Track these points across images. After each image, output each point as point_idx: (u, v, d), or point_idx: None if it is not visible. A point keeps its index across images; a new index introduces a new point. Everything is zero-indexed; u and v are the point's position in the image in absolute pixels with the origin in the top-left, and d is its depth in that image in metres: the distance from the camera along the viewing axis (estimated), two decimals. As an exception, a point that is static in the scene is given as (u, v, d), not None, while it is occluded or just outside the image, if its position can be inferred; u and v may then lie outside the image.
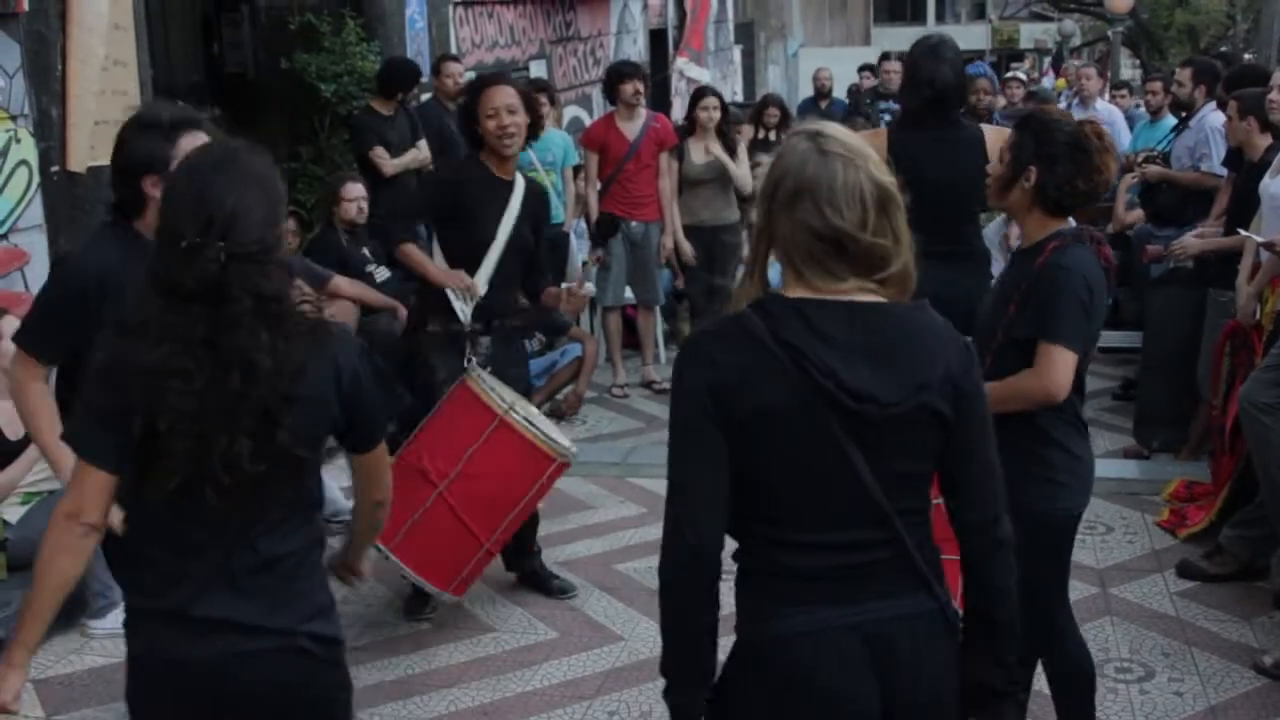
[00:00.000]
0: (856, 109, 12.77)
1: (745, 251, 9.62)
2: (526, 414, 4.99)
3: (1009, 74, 20.03)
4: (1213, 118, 7.86)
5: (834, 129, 2.44)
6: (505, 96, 5.17)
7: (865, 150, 2.40)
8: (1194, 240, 6.77)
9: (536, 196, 5.46)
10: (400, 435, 5.14)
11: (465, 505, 4.88)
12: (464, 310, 5.21)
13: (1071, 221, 3.69)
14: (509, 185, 5.29)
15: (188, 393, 2.44)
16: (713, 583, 2.40)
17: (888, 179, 2.38)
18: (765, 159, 2.52)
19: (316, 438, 2.61)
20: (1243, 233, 6.02)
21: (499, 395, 4.92)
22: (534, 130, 5.33)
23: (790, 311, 2.36)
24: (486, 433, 4.89)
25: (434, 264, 5.38)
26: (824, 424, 2.33)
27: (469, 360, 5.12)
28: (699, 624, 2.41)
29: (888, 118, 12.11)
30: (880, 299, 2.39)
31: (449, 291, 5.21)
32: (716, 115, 8.73)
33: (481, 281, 5.25)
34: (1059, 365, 3.43)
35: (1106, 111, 11.45)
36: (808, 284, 2.39)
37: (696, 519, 2.37)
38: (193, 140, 3.61)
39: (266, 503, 2.57)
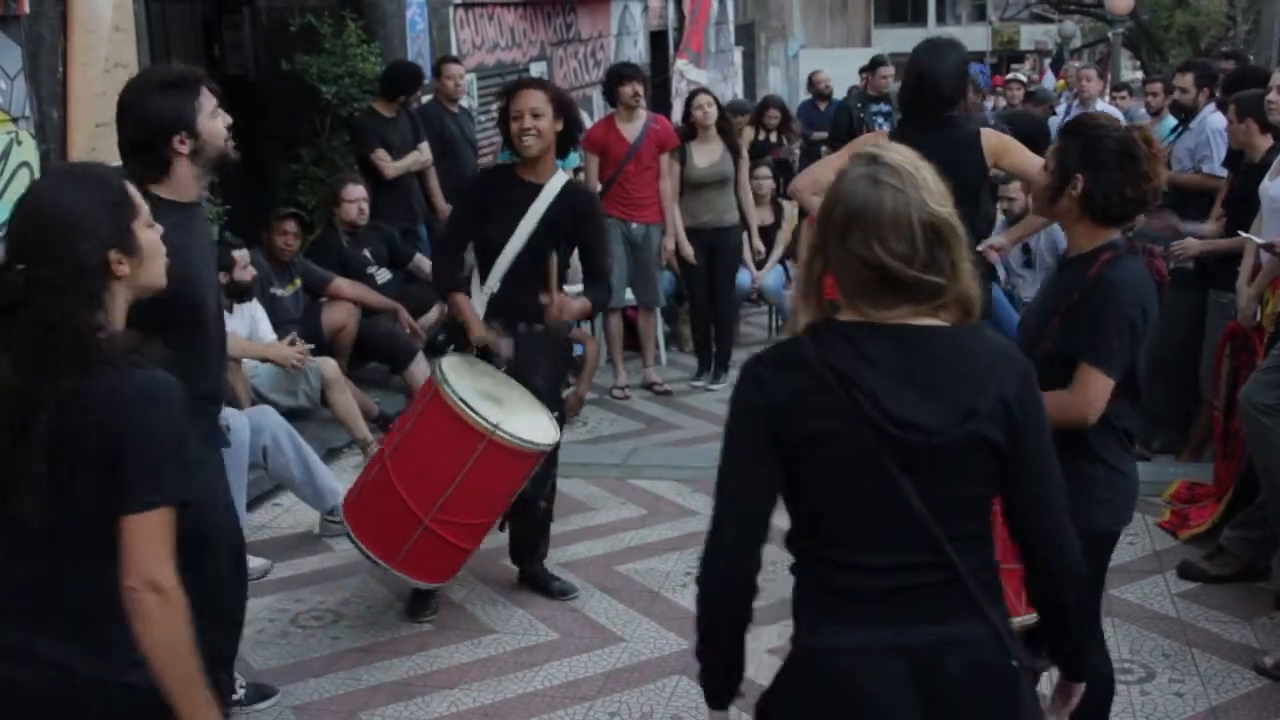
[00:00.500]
0: (848, 113, 12.71)
1: (746, 254, 9.66)
2: (461, 388, 4.87)
3: (1009, 75, 20.02)
4: (1213, 119, 7.87)
5: (895, 153, 2.42)
6: (529, 100, 5.19)
7: (922, 179, 2.37)
8: (1194, 241, 6.77)
9: (572, 200, 5.31)
10: None
11: (401, 475, 4.92)
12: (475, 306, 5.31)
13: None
14: (535, 188, 5.26)
15: None
16: (749, 600, 2.47)
17: (944, 209, 2.37)
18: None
19: (76, 480, 2.42)
20: (1243, 234, 6.03)
21: (439, 371, 4.93)
22: (567, 139, 5.37)
23: (841, 337, 2.38)
24: (425, 403, 4.99)
25: (470, 315, 5.31)
26: (871, 450, 2.34)
27: (447, 352, 5.22)
28: (733, 633, 2.49)
29: (880, 120, 12.12)
30: (936, 322, 2.39)
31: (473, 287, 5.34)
32: (712, 112, 8.76)
33: (494, 280, 5.27)
34: (1094, 389, 3.35)
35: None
36: (859, 310, 2.40)
37: (738, 541, 2.43)
38: (210, 96, 3.72)
39: (58, 538, 2.45)
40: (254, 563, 5.78)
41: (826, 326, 2.42)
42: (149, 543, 2.40)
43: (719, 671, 2.55)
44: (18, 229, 2.50)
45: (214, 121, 3.74)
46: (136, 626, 2.41)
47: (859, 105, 12.64)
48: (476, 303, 5.27)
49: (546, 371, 5.32)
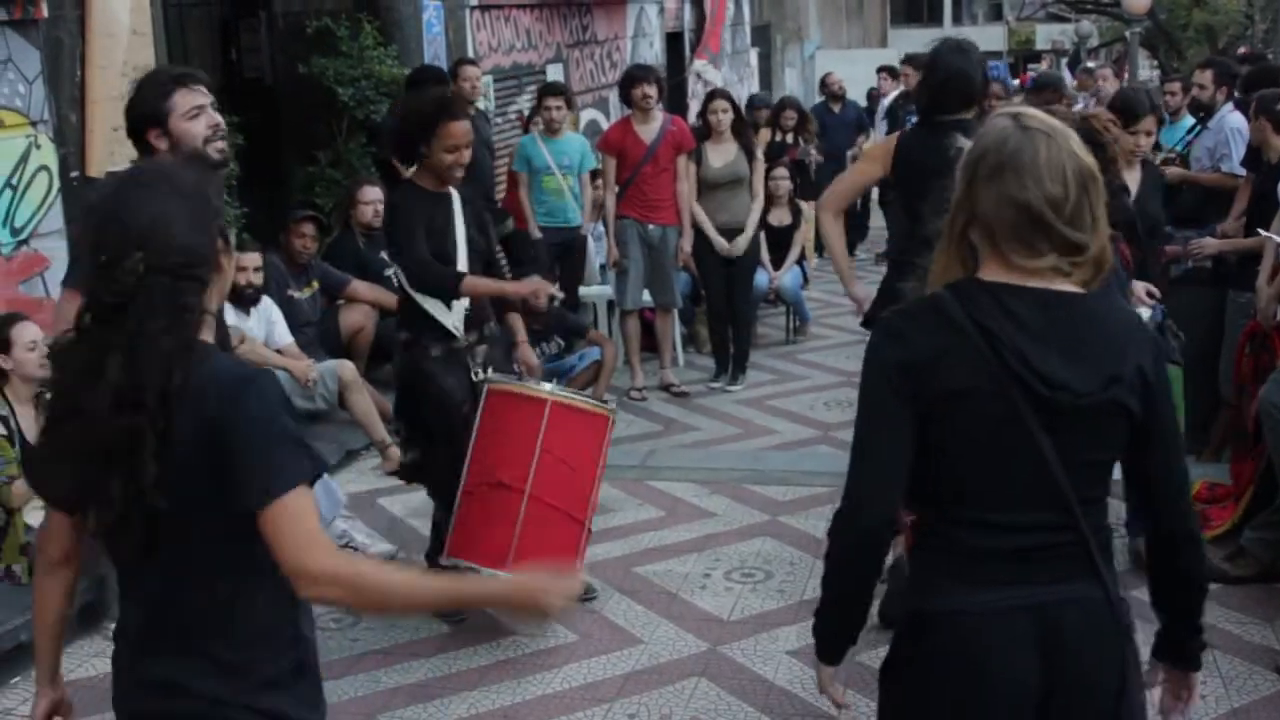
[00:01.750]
0: (893, 114, 12.60)
1: (764, 254, 9.63)
2: (563, 389, 5.18)
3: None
4: (1232, 118, 7.85)
5: (1033, 110, 2.47)
6: (467, 133, 5.17)
7: (1067, 130, 2.42)
8: (1212, 240, 6.75)
9: (471, 200, 5.45)
10: (422, 462, 5.15)
11: (556, 494, 4.92)
12: (456, 325, 5.22)
13: None
14: (447, 197, 5.26)
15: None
16: (880, 555, 2.48)
17: (1090, 159, 2.41)
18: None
19: (182, 483, 2.26)
20: (1263, 233, 6.00)
21: (533, 384, 5.07)
22: None
23: (985, 295, 2.39)
24: (545, 419, 4.92)
25: (503, 282, 5.40)
26: (1016, 408, 2.36)
27: (480, 371, 5.18)
28: (860, 588, 2.51)
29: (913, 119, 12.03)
30: (1074, 288, 2.41)
31: (434, 312, 5.18)
32: (727, 118, 8.74)
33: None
34: None
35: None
36: (1005, 261, 2.41)
37: (875, 501, 2.43)
38: (188, 96, 3.77)
39: (178, 554, 2.32)
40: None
41: (969, 284, 2.43)
42: (290, 532, 2.23)
43: (838, 625, 2.55)
44: (122, 222, 2.30)
45: (189, 123, 3.79)
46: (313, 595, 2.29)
47: (901, 105, 12.54)
48: (454, 319, 5.21)
49: (507, 363, 5.55)
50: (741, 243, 8.81)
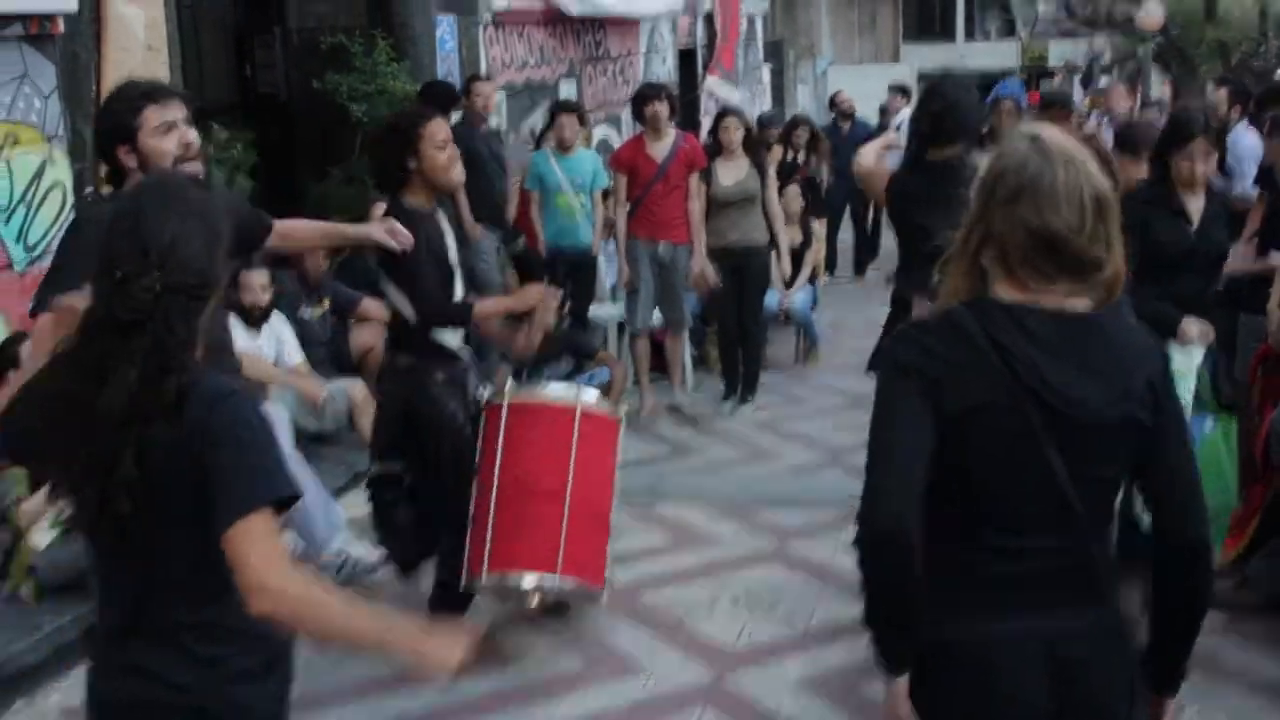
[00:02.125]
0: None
1: (775, 273, 9.61)
2: (587, 395, 5.13)
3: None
4: (1245, 137, 7.82)
5: (1052, 133, 2.47)
6: (447, 129, 5.08)
7: (1084, 155, 2.42)
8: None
9: (448, 216, 5.33)
10: (419, 485, 5.12)
11: (594, 500, 4.92)
12: (459, 345, 5.14)
13: None
14: (432, 214, 5.09)
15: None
16: (912, 556, 2.40)
17: (1106, 185, 2.41)
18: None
19: (174, 492, 2.38)
20: (1276, 254, 5.97)
21: (555, 390, 5.10)
22: None
23: (999, 311, 2.40)
24: (576, 426, 4.92)
25: (506, 299, 5.43)
26: (1030, 426, 2.36)
27: (488, 386, 5.16)
28: (901, 592, 2.43)
29: None
30: (1084, 305, 2.42)
31: (437, 335, 5.05)
32: (738, 135, 8.75)
33: None
34: None
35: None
36: (1019, 283, 2.41)
37: (897, 496, 2.39)
38: (159, 112, 3.67)
39: (162, 557, 2.45)
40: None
41: (984, 302, 2.43)
42: (246, 555, 2.29)
43: (892, 634, 2.49)
44: (145, 241, 2.37)
45: (159, 140, 3.68)
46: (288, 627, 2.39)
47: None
48: (457, 339, 5.12)
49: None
50: (787, 267, 9.37)
